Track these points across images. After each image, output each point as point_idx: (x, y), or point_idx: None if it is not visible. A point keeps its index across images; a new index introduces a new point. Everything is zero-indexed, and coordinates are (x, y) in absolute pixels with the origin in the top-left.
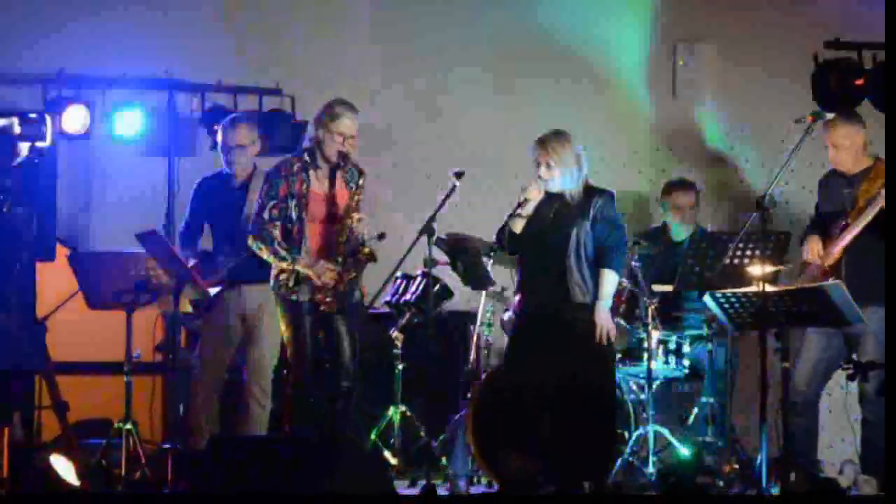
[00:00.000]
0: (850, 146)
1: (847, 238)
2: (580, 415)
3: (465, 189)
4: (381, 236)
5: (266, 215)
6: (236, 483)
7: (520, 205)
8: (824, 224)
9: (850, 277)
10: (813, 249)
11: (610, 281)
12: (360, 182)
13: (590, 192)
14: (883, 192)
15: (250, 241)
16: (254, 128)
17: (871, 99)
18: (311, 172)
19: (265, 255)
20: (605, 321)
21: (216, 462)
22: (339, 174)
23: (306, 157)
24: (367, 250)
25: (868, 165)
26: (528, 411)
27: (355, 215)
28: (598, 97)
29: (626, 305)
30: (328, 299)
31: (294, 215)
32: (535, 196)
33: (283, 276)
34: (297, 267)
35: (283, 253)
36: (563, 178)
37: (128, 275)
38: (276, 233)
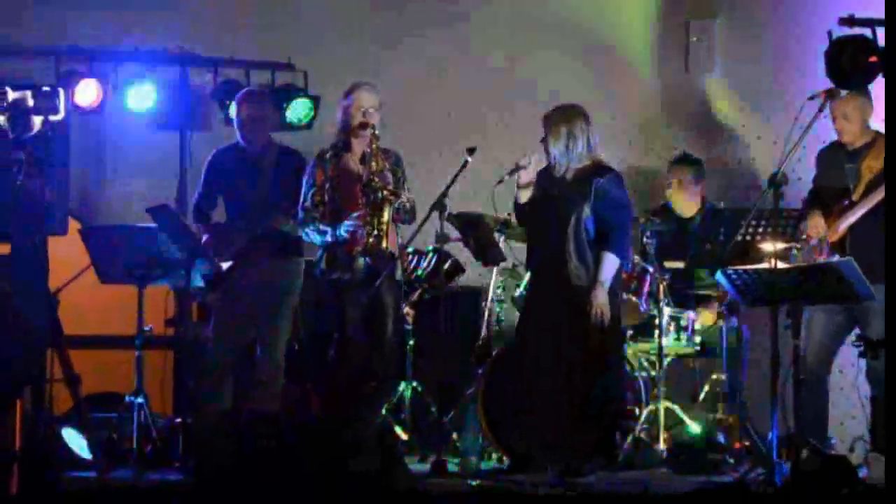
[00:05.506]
0: (859, 118)
1: (856, 214)
2: (585, 394)
3: (476, 165)
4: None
5: (308, 203)
6: (247, 458)
7: (510, 172)
8: (824, 199)
9: (855, 255)
10: (818, 225)
11: (609, 264)
12: (399, 166)
13: (595, 170)
14: None
15: (300, 230)
16: (269, 102)
17: (885, 76)
18: (344, 155)
19: (313, 237)
20: (600, 305)
21: (227, 437)
22: (380, 158)
23: (339, 144)
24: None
25: (870, 139)
26: (534, 387)
27: (375, 165)
28: (609, 73)
29: (637, 282)
30: (358, 248)
31: (328, 197)
32: (525, 164)
33: (322, 261)
34: (339, 232)
35: (323, 228)
36: (561, 153)
37: (139, 249)
38: (317, 216)
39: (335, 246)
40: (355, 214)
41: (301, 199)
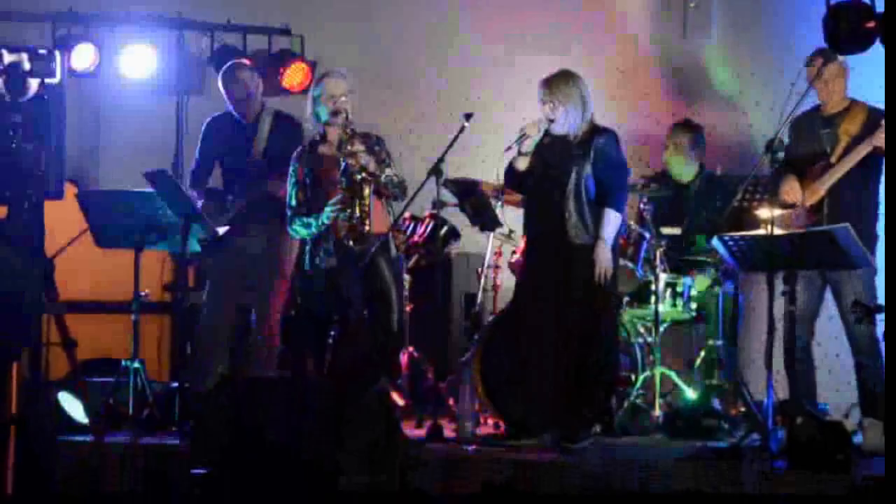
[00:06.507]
0: (838, 80)
1: (833, 177)
2: (581, 357)
3: (473, 131)
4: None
5: (294, 202)
6: (244, 423)
7: (517, 140)
8: (799, 164)
9: (832, 219)
10: (793, 189)
11: (611, 220)
12: (381, 147)
13: (593, 132)
14: (879, 134)
15: (290, 231)
16: (252, 70)
17: (882, 42)
18: (321, 146)
19: (301, 232)
20: (604, 261)
21: (224, 401)
22: (356, 141)
23: (316, 137)
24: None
25: (846, 106)
26: (532, 353)
27: (349, 147)
28: (607, 40)
29: (634, 248)
30: (342, 233)
31: (310, 191)
32: (532, 132)
33: (316, 254)
34: (321, 220)
35: (309, 220)
36: (566, 118)
37: (136, 214)
38: (303, 212)
39: (321, 235)
40: (334, 200)
41: (287, 199)
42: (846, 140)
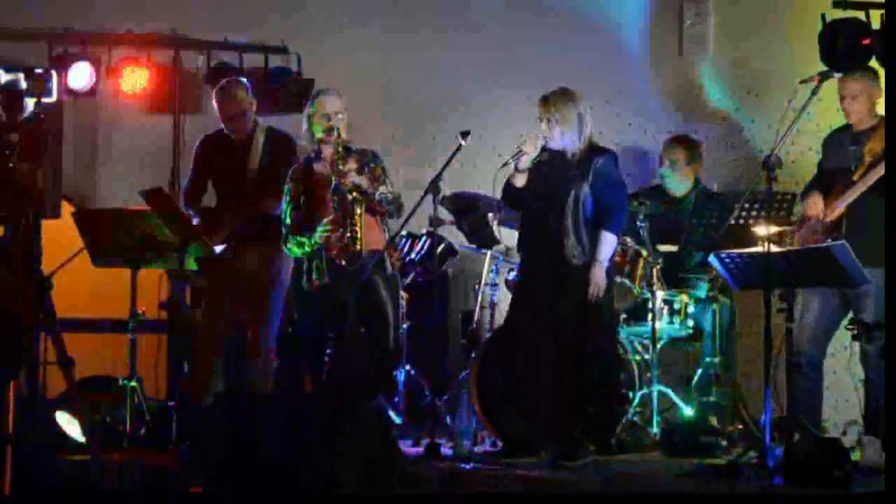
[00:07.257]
0: (866, 99)
1: (853, 194)
2: (578, 375)
3: (470, 149)
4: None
5: (288, 221)
6: (241, 438)
7: (514, 156)
8: (826, 180)
9: (850, 236)
10: (816, 204)
11: (607, 242)
12: (377, 163)
13: (591, 151)
14: None
15: (285, 250)
16: (247, 88)
17: (878, 58)
18: (316, 165)
19: (296, 251)
20: (598, 282)
21: (221, 417)
22: (349, 159)
23: (311, 154)
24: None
25: (874, 124)
26: (528, 371)
27: (341, 167)
28: (603, 56)
29: (630, 265)
30: (334, 252)
31: (303, 210)
32: (530, 149)
33: (312, 275)
34: (314, 240)
35: (303, 240)
36: (563, 136)
37: (133, 232)
38: (299, 230)
39: (314, 255)
40: (326, 220)
41: (283, 218)
42: (870, 158)
